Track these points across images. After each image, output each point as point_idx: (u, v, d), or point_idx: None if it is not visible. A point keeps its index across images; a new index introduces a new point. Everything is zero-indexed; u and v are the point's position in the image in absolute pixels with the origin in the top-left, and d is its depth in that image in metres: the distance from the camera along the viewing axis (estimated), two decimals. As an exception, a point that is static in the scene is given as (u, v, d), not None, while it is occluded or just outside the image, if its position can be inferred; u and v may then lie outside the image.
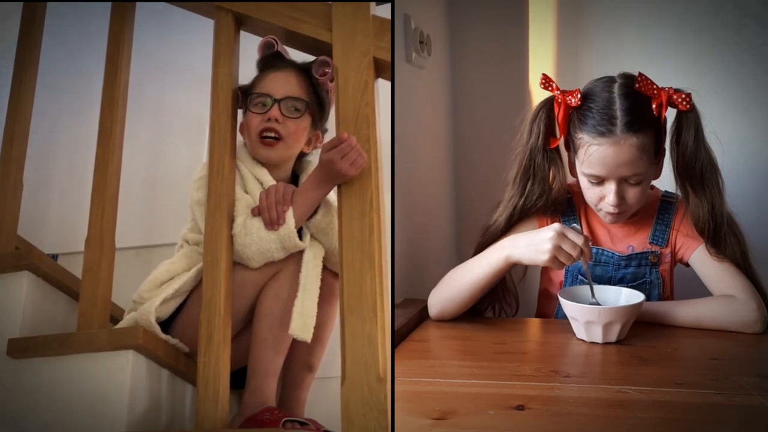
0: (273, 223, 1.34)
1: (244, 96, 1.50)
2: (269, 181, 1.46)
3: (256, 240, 1.34)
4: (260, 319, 1.37)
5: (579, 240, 1.26)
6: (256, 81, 1.52)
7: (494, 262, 1.34)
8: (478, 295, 1.38)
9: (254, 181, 1.46)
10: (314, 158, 1.53)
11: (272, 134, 1.47)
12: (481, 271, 1.36)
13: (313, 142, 1.55)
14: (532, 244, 1.29)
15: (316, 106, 1.53)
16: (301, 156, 1.56)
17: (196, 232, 1.49)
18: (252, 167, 1.48)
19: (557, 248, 1.26)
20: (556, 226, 1.28)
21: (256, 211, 1.36)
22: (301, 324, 1.33)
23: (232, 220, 1.35)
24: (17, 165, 1.54)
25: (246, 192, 1.44)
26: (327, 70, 1.50)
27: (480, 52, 2.04)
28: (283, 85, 1.49)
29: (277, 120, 1.46)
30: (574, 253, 1.25)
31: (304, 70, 1.53)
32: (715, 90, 1.88)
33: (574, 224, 1.34)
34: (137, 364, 1.26)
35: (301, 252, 1.38)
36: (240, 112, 1.49)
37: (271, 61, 1.53)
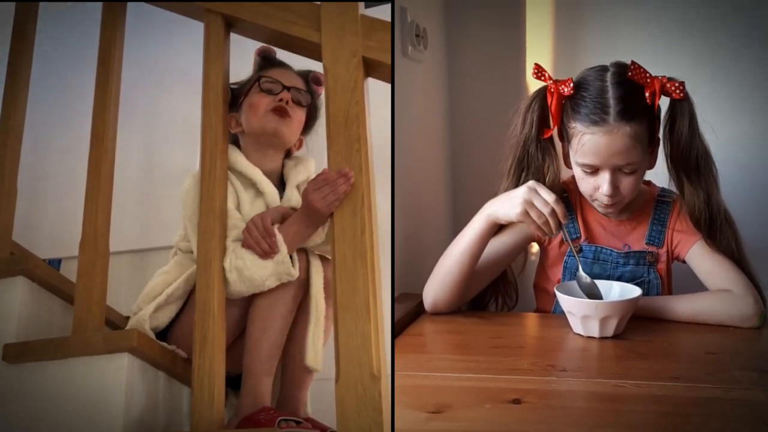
0: (267, 254, 1.34)
1: (234, 98, 1.51)
2: (262, 180, 1.49)
3: (249, 265, 1.33)
4: (253, 321, 1.38)
5: (550, 198, 1.29)
6: (262, 72, 1.56)
7: (476, 224, 1.36)
8: (467, 269, 1.38)
9: (244, 192, 1.47)
10: (295, 161, 1.59)
11: (283, 111, 1.51)
12: (467, 238, 1.37)
13: (297, 146, 1.60)
14: (507, 199, 1.33)
15: (312, 110, 1.59)
16: (285, 157, 1.60)
17: (188, 240, 1.49)
18: (245, 167, 1.49)
19: (528, 203, 1.29)
20: (530, 182, 1.32)
21: (247, 245, 1.36)
22: (315, 355, 1.37)
23: (224, 221, 1.35)
24: (11, 171, 1.54)
25: (239, 207, 1.45)
26: (319, 88, 1.57)
27: (477, 46, 2.05)
28: (290, 78, 1.56)
29: (287, 102, 1.52)
30: (545, 210, 1.29)
31: (303, 76, 1.59)
32: (712, 82, 1.89)
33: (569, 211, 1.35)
34: (133, 367, 1.26)
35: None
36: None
37: (274, 60, 1.59)
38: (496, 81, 2.02)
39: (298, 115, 1.55)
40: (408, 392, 1.03)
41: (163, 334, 1.44)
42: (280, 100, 1.51)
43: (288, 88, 1.53)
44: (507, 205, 1.32)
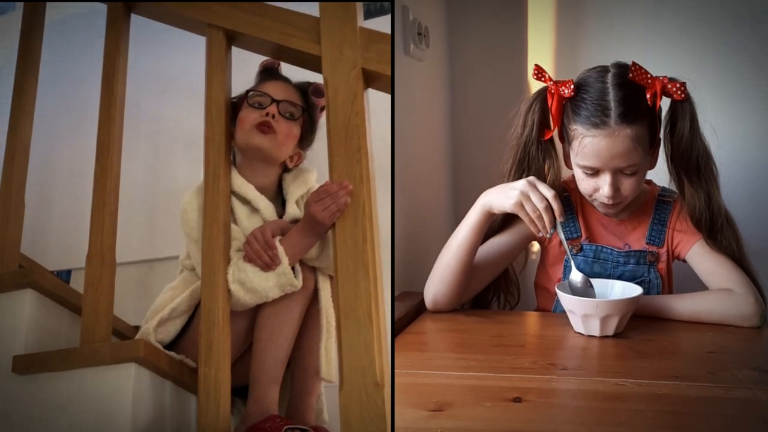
0: (268, 266, 1.35)
1: (235, 110, 1.51)
2: (256, 197, 1.48)
3: (251, 278, 1.33)
4: (260, 329, 1.38)
5: (548, 193, 1.30)
6: (255, 86, 1.55)
7: (472, 215, 1.37)
8: (465, 261, 1.38)
9: (241, 207, 1.47)
10: (295, 174, 1.57)
11: (265, 127, 1.49)
12: (463, 230, 1.38)
13: (295, 160, 1.57)
14: (504, 190, 1.34)
15: (308, 123, 1.57)
16: (284, 171, 1.58)
17: (191, 258, 1.50)
18: (239, 186, 1.48)
19: (524, 195, 1.30)
20: (530, 177, 1.33)
21: (248, 258, 1.36)
22: (328, 366, 1.37)
23: (228, 233, 1.36)
24: (18, 185, 1.55)
25: (235, 222, 1.44)
26: (320, 99, 1.54)
27: (479, 45, 2.06)
28: (283, 91, 1.53)
29: (273, 116, 1.49)
30: (540, 205, 1.30)
31: (301, 89, 1.57)
32: (714, 82, 1.89)
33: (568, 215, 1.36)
34: (140, 377, 1.27)
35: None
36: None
37: (273, 73, 1.57)
38: (497, 79, 2.03)
39: (287, 129, 1.50)
40: (409, 390, 1.03)
41: (169, 348, 1.44)
42: (266, 114, 1.49)
43: (277, 102, 1.50)
44: (503, 195, 1.34)
